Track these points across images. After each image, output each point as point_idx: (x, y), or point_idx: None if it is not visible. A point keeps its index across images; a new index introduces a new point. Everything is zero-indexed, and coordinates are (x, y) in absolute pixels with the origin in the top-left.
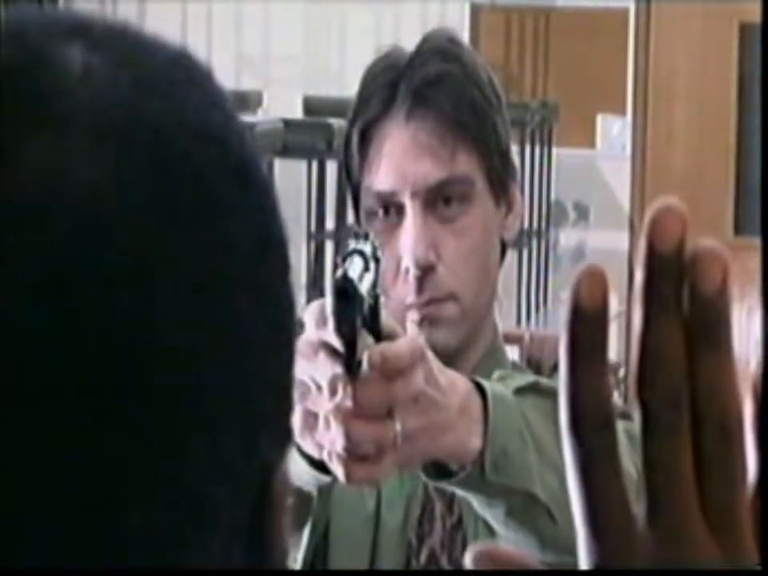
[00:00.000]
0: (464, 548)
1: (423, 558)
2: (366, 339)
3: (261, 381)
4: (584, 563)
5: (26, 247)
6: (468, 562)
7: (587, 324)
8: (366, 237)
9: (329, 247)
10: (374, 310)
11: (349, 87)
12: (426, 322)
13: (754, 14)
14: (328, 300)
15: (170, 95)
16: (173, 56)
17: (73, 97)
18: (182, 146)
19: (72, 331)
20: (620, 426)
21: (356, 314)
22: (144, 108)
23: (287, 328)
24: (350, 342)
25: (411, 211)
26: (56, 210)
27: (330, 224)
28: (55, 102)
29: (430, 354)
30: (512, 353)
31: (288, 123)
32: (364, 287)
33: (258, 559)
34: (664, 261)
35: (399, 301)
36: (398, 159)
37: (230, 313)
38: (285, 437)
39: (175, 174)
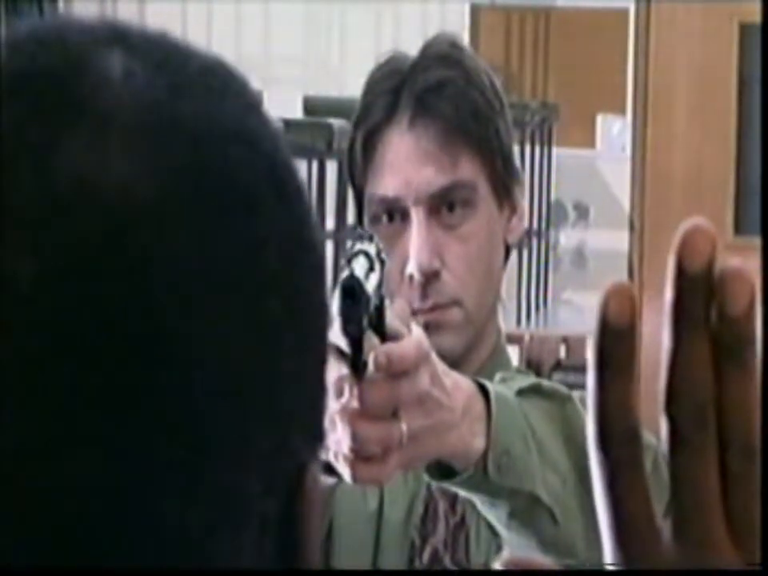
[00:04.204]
0: (467, 547)
1: (426, 557)
2: (371, 340)
3: (291, 379)
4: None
5: (59, 245)
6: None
7: (615, 340)
8: (371, 238)
9: (329, 247)
10: (379, 310)
11: (349, 87)
12: (430, 327)
13: (754, 14)
14: (334, 300)
15: (206, 99)
16: (209, 62)
17: (112, 99)
18: (216, 149)
19: (104, 330)
20: None
21: (362, 313)
22: (180, 111)
23: (319, 329)
24: (356, 342)
25: (415, 218)
26: (90, 208)
27: (330, 224)
28: (94, 103)
29: (434, 356)
30: (512, 353)
31: (288, 123)
32: (370, 287)
33: (289, 555)
34: (693, 280)
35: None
36: (402, 166)
37: (262, 312)
38: (317, 434)
39: (209, 175)
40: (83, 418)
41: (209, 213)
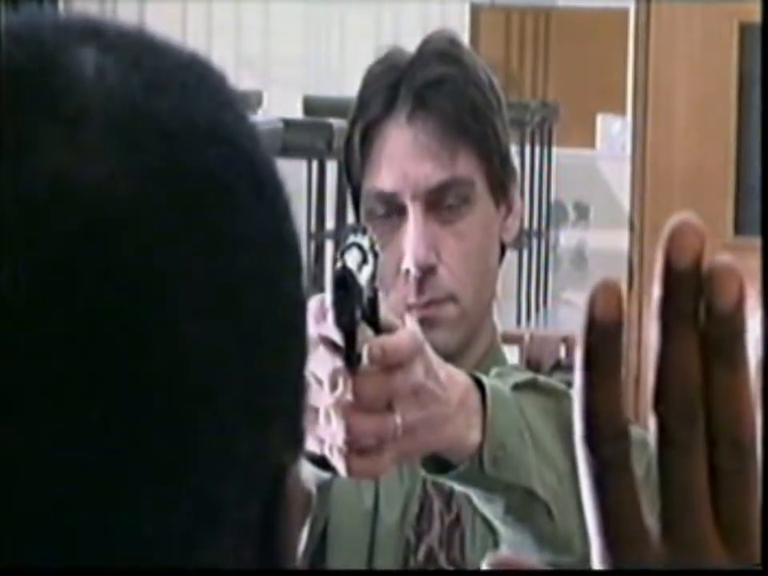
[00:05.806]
0: (462, 546)
1: (421, 555)
2: (365, 332)
3: (271, 380)
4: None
5: (35, 246)
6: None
7: (602, 337)
8: (364, 231)
9: (329, 247)
10: (373, 302)
11: (349, 87)
12: (425, 322)
13: (754, 14)
14: (327, 293)
15: (182, 96)
16: (185, 59)
17: (85, 97)
18: (192, 146)
19: (80, 331)
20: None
21: (355, 304)
22: (155, 108)
23: (299, 328)
24: (350, 333)
25: (412, 213)
26: (66, 208)
27: (330, 224)
28: (68, 101)
29: (429, 348)
30: (512, 353)
31: (288, 123)
32: (362, 279)
33: (269, 558)
34: (681, 275)
35: (399, 301)
36: (399, 161)
37: (241, 312)
38: (297, 436)
39: (186, 173)
40: (58, 419)
41: (186, 211)
